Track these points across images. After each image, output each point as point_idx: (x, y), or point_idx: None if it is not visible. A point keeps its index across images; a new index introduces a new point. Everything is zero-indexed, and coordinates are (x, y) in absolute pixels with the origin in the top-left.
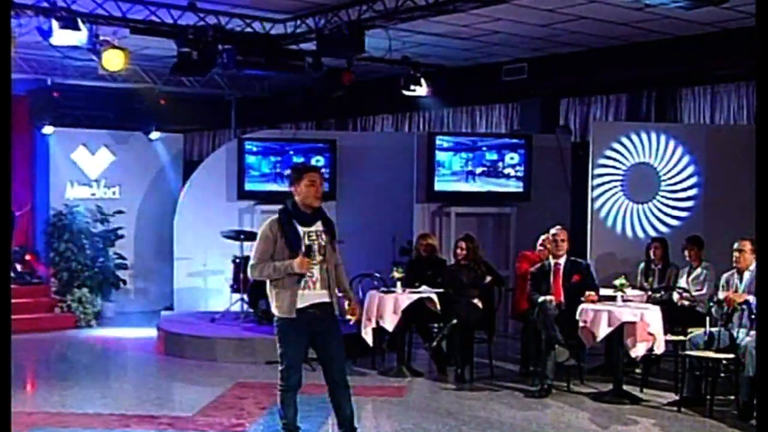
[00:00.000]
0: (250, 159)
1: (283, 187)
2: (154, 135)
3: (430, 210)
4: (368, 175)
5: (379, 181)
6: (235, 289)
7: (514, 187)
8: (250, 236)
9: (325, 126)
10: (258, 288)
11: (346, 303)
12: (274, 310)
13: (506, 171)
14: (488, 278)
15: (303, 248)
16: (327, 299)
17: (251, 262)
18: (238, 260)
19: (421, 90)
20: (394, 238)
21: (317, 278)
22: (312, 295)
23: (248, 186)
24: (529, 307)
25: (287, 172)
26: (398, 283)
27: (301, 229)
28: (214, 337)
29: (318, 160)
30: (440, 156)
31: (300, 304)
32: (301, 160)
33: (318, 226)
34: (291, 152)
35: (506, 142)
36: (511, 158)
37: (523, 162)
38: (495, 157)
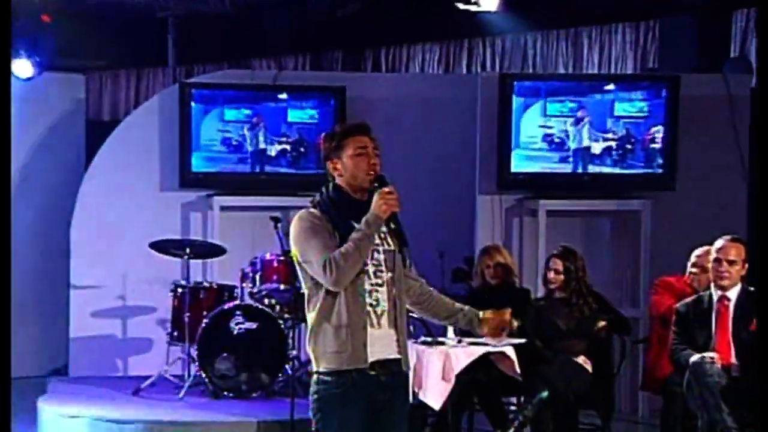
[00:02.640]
0: (211, 120)
1: (264, 167)
2: (26, 70)
3: (503, 205)
4: (398, 146)
5: (416, 156)
6: (175, 337)
7: (648, 166)
8: (204, 250)
9: (328, 64)
10: (216, 334)
11: (478, 317)
12: (319, 360)
13: (634, 139)
14: (601, 322)
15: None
16: (395, 352)
17: (319, 261)
18: (181, 290)
19: (489, 2)
20: (442, 254)
21: (384, 308)
22: (377, 337)
23: (198, 165)
24: (674, 372)
25: (275, 149)
26: (449, 329)
27: (355, 225)
28: (138, 421)
29: (312, 117)
30: (532, 115)
31: (365, 353)
32: (293, 120)
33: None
34: (271, 106)
35: (634, 90)
36: (643, 117)
37: (664, 124)
38: (615, 115)
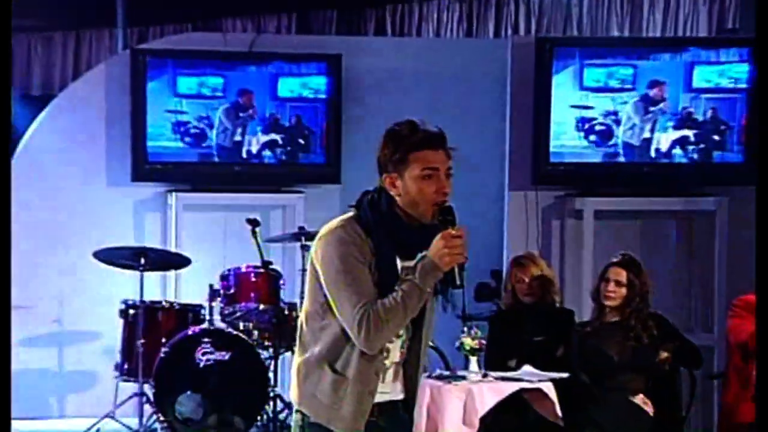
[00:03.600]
0: (160, 95)
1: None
2: None
3: (540, 204)
4: None
5: None
6: (125, 371)
7: (724, 155)
8: (162, 260)
9: (319, 26)
10: (177, 367)
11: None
12: (302, 399)
13: (706, 120)
14: (664, 353)
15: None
16: (399, 392)
17: (356, 315)
18: (133, 311)
19: None
20: (462, 265)
21: (394, 360)
22: (378, 389)
23: (155, 154)
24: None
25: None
26: (472, 361)
27: (399, 262)
28: None
29: (300, 96)
30: (561, 90)
31: (361, 420)
32: (284, 95)
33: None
34: (246, 74)
35: (708, 56)
36: (723, 91)
37: (744, 99)
38: (691, 88)
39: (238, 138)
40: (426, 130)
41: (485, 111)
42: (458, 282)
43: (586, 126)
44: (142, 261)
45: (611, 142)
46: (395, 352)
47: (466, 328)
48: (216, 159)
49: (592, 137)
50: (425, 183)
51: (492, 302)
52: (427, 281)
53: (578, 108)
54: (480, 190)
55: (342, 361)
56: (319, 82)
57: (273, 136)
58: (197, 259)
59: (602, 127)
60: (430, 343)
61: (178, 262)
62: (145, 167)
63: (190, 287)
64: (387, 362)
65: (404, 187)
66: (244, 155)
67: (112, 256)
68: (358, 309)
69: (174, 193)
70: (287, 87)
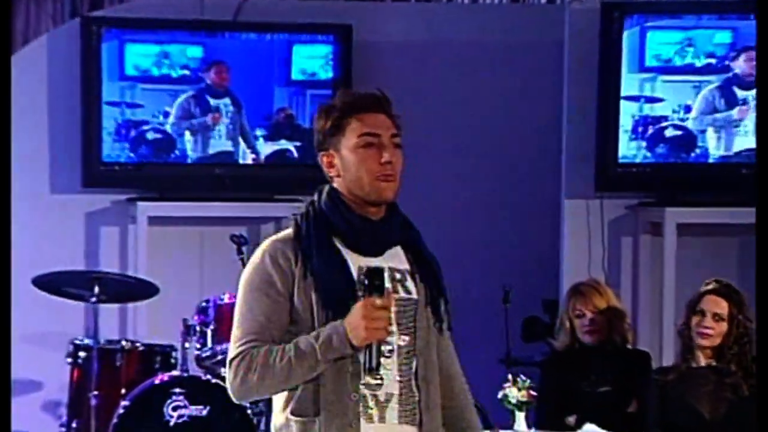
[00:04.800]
0: (119, 79)
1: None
2: None
3: (606, 217)
4: (434, 122)
5: (462, 139)
6: (74, 430)
7: None
8: (122, 289)
9: None
10: (141, 425)
11: None
12: None
13: None
14: None
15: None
16: None
17: (232, 351)
18: (84, 353)
19: None
20: (507, 294)
21: (392, 393)
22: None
23: (112, 152)
24: None
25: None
26: (520, 417)
27: (352, 260)
28: None
29: (303, 75)
30: (634, 74)
31: None
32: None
33: (397, 258)
34: (230, 50)
35: None
36: None
37: None
38: None
39: (226, 144)
40: (361, 93)
41: (535, 97)
42: (374, 363)
43: (676, 109)
44: (96, 290)
45: (705, 123)
46: (390, 376)
47: (511, 376)
48: (190, 159)
49: (684, 122)
50: (366, 152)
51: (544, 342)
52: (329, 353)
53: (643, 102)
54: (527, 197)
55: (307, 404)
56: (324, 61)
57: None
58: (167, 287)
59: (701, 108)
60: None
61: (143, 291)
62: (100, 169)
63: (157, 323)
64: (381, 394)
65: (342, 163)
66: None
67: (56, 284)
68: (238, 345)
69: (137, 203)
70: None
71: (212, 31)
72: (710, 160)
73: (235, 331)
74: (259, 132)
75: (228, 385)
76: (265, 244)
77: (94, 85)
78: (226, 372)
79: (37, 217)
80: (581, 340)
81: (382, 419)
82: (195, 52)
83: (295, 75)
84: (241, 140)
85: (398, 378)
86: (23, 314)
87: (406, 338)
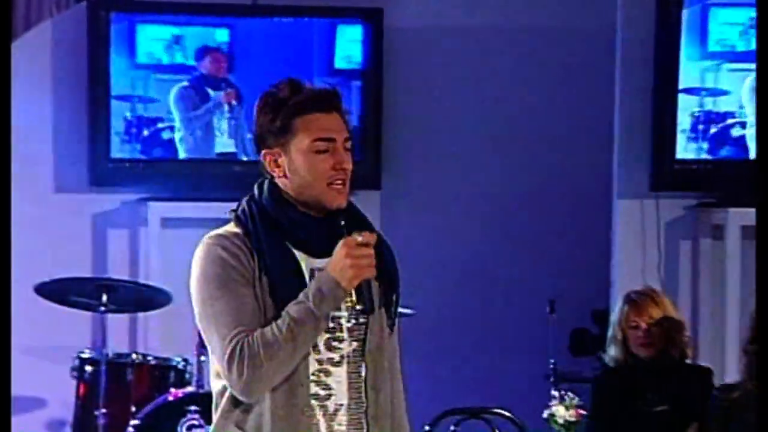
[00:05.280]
0: (131, 68)
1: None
2: None
3: (662, 219)
4: (472, 115)
5: (502, 132)
6: None
7: None
8: (132, 297)
9: None
10: None
11: None
12: None
13: None
14: None
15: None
16: None
17: (224, 350)
18: (91, 368)
19: None
20: (552, 304)
21: (342, 404)
22: None
23: (121, 148)
24: None
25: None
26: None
27: (304, 262)
28: None
29: (344, 62)
30: (695, 62)
31: None
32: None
33: None
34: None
35: None
36: None
37: None
38: None
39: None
40: (313, 88)
41: (583, 87)
42: (367, 304)
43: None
44: (104, 298)
45: None
46: (339, 387)
47: (557, 393)
48: (209, 155)
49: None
50: (319, 158)
51: (594, 356)
52: (325, 304)
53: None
54: (575, 197)
55: (252, 418)
56: (351, 48)
57: None
58: (181, 295)
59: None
60: (505, 412)
61: (155, 299)
62: (108, 166)
63: (170, 335)
64: (330, 404)
65: (290, 164)
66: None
67: (61, 292)
68: (229, 341)
69: (149, 203)
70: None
71: (229, 15)
72: None
73: (219, 332)
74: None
75: (234, 385)
76: (211, 240)
77: (102, 75)
78: (225, 375)
79: (39, 219)
80: (635, 354)
81: (332, 426)
82: (220, 35)
83: (320, 62)
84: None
85: (348, 387)
86: (25, 325)
87: (356, 344)
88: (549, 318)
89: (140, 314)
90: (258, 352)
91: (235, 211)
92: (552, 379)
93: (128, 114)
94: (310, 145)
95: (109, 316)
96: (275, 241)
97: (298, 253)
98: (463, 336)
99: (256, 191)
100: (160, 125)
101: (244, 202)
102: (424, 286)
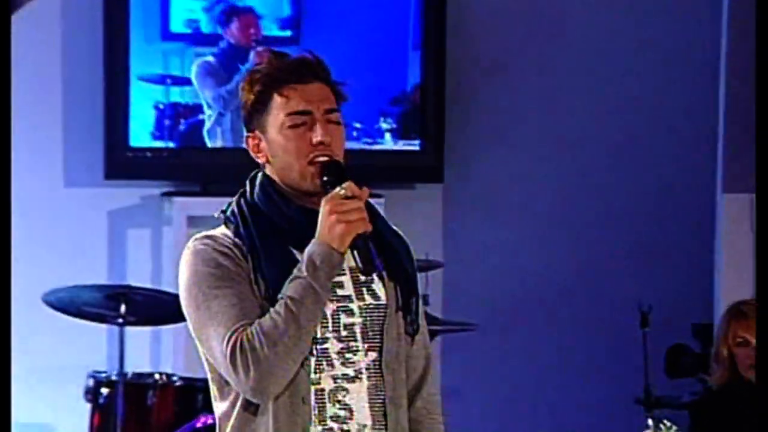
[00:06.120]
0: (163, 39)
1: None
2: None
3: None
4: (552, 98)
5: (588, 119)
6: None
7: None
8: (153, 306)
9: None
10: None
11: None
12: None
13: None
14: None
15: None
16: None
17: (225, 347)
18: (107, 390)
19: None
20: (645, 315)
21: (365, 425)
22: None
23: (141, 135)
24: None
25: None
26: None
27: (300, 257)
28: None
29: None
30: None
31: None
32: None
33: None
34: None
35: None
36: None
37: None
38: None
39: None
40: (292, 58)
41: (680, 66)
42: (367, 261)
43: None
44: (122, 309)
45: None
46: (359, 403)
47: (652, 421)
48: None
49: None
50: (294, 133)
51: (695, 378)
52: (321, 272)
53: None
54: (672, 192)
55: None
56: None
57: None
58: None
59: None
60: None
61: (180, 310)
62: (127, 156)
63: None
64: (352, 427)
65: (270, 147)
66: None
67: (73, 301)
68: (227, 339)
69: (174, 198)
70: None
71: None
72: None
73: (219, 330)
74: (384, 124)
75: (243, 386)
76: (199, 241)
77: (121, 47)
78: (232, 380)
79: (47, 218)
80: (743, 376)
81: None
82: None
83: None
84: None
85: (368, 404)
86: (31, 340)
87: (374, 354)
88: (641, 333)
89: (164, 327)
90: (260, 343)
91: (224, 211)
92: (645, 405)
93: (161, 102)
94: (284, 119)
95: (128, 329)
96: (270, 242)
97: (296, 252)
98: (538, 354)
99: (247, 186)
100: (201, 116)
101: (234, 201)
102: (492, 295)
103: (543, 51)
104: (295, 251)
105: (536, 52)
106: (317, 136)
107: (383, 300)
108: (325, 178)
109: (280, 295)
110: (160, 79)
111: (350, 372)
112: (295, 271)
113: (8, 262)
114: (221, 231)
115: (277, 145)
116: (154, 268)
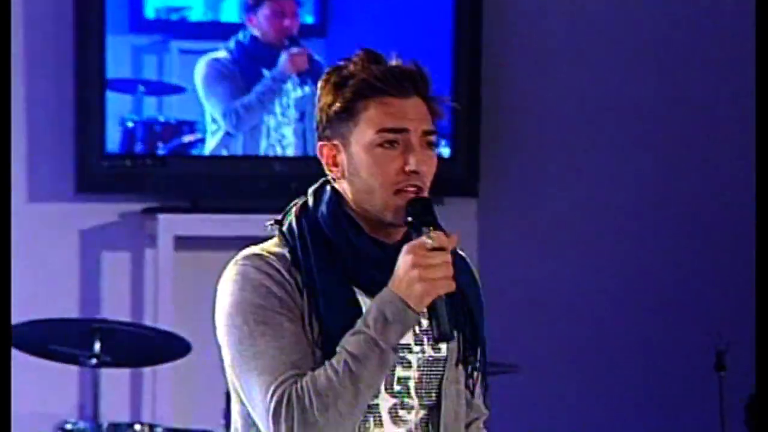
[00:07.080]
0: (135, 31)
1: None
2: None
3: None
4: (598, 102)
5: (645, 121)
6: None
7: None
8: (136, 343)
9: None
10: None
11: None
12: None
13: None
14: None
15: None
16: None
17: (269, 401)
18: None
19: None
20: (720, 356)
21: None
22: None
23: (119, 140)
24: None
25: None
26: None
27: (366, 305)
28: None
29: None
30: None
31: None
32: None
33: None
34: None
35: None
36: None
37: None
38: None
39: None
40: (391, 64)
41: (713, 57)
42: (445, 329)
43: None
44: (97, 347)
45: None
46: None
47: None
48: (238, 151)
49: None
50: (384, 155)
51: None
52: (391, 332)
53: None
54: (747, 208)
55: None
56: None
57: None
58: (202, 341)
59: None
60: None
61: (165, 348)
62: (102, 165)
63: (187, 396)
64: None
65: (350, 163)
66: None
67: (39, 339)
68: (273, 390)
69: (158, 216)
70: None
71: None
72: None
73: (261, 380)
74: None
75: None
76: (248, 261)
77: (95, 39)
78: (267, 428)
79: (13, 238)
80: None
81: None
82: None
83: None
84: None
85: None
86: None
87: (425, 411)
88: (716, 378)
89: (146, 369)
90: (310, 403)
91: (279, 223)
92: None
93: (134, 116)
94: (374, 137)
95: (104, 371)
96: (332, 278)
97: (361, 297)
98: (586, 400)
99: (310, 199)
100: (186, 138)
101: (293, 214)
102: (536, 332)
103: (583, 49)
104: (357, 290)
105: (577, 51)
106: (411, 165)
107: (443, 352)
108: (410, 219)
109: (339, 348)
110: (130, 86)
111: (401, 430)
112: (359, 322)
113: (8, 261)
114: (275, 249)
115: (360, 164)
116: (134, 299)
